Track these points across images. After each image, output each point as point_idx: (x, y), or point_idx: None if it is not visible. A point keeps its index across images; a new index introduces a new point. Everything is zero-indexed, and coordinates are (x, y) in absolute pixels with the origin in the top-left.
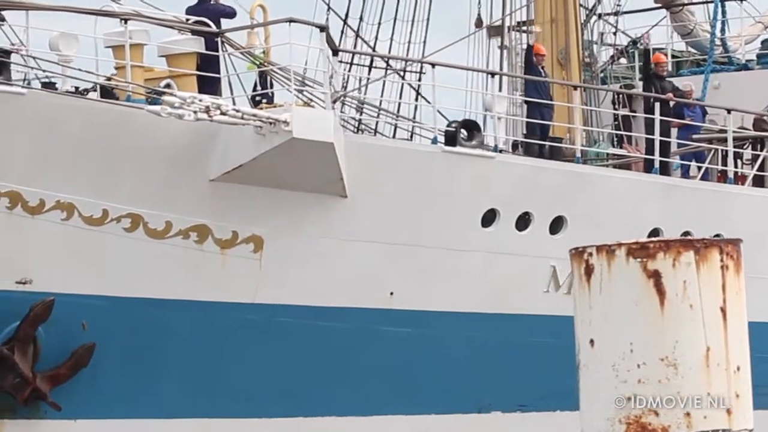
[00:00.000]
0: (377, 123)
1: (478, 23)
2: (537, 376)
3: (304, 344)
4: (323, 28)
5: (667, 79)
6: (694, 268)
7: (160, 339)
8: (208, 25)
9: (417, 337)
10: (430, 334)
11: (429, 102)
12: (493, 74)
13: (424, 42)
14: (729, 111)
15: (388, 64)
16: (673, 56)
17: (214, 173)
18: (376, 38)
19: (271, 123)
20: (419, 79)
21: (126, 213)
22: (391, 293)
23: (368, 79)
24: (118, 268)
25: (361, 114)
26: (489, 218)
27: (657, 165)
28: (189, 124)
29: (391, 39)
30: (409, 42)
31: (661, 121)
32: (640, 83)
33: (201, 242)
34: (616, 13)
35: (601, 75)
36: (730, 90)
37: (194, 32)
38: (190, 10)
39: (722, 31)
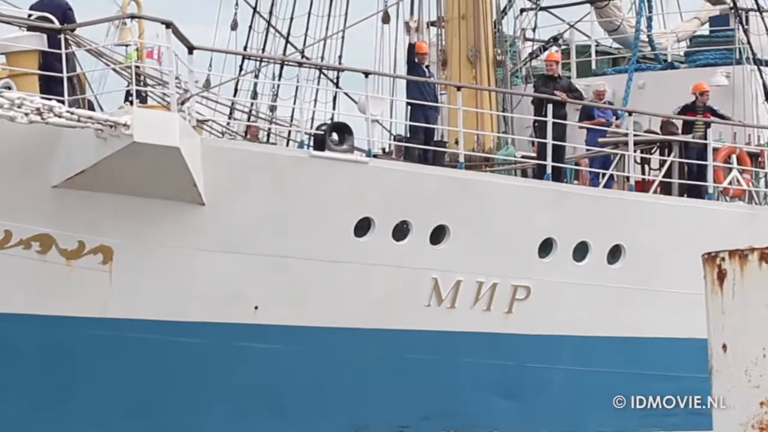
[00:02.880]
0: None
1: (386, 18)
2: (419, 395)
3: (160, 362)
4: (168, 24)
5: (562, 78)
6: None
7: (0, 356)
8: (51, 21)
9: (286, 354)
10: (301, 350)
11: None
12: (366, 74)
13: (342, 38)
14: (630, 113)
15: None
16: (605, 53)
17: (56, 179)
18: (288, 33)
19: (111, 126)
20: (337, 80)
21: None
22: (256, 307)
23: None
24: None
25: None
26: (363, 227)
27: (549, 171)
28: (29, 127)
29: (306, 34)
30: (326, 38)
31: (555, 124)
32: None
33: (44, 252)
34: (536, 8)
35: (523, 74)
36: (656, 90)
37: (33, 28)
38: (34, 6)
39: (648, 27)
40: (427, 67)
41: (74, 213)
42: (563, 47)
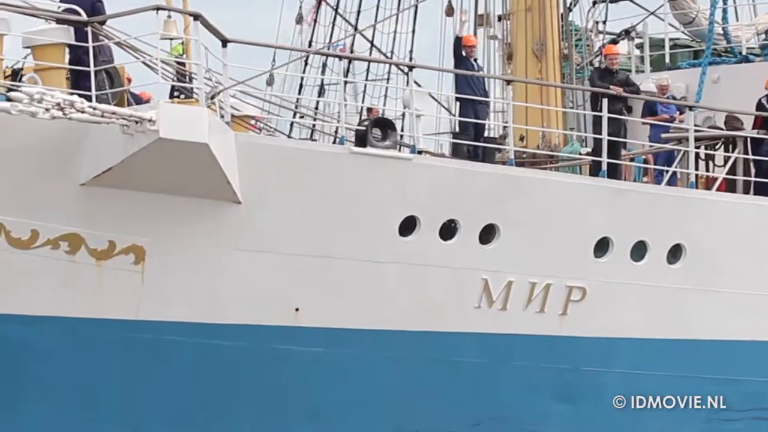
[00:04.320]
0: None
1: (449, 12)
2: (468, 399)
3: (196, 366)
4: (197, 16)
5: (620, 72)
6: None
7: (27, 360)
8: (78, 14)
9: (330, 358)
10: (345, 354)
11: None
12: (411, 68)
13: (413, 32)
14: (691, 108)
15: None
16: (685, 46)
17: (84, 177)
18: (356, 27)
19: (136, 122)
20: (407, 78)
21: None
22: (297, 309)
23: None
24: None
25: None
26: (408, 226)
27: (605, 168)
28: (55, 123)
29: (374, 27)
30: (395, 32)
31: (611, 120)
32: (639, 74)
33: (73, 253)
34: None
35: (593, 67)
36: (730, 84)
37: (60, 20)
38: None
39: (724, 19)
40: (475, 60)
41: (104, 212)
42: (637, 42)
